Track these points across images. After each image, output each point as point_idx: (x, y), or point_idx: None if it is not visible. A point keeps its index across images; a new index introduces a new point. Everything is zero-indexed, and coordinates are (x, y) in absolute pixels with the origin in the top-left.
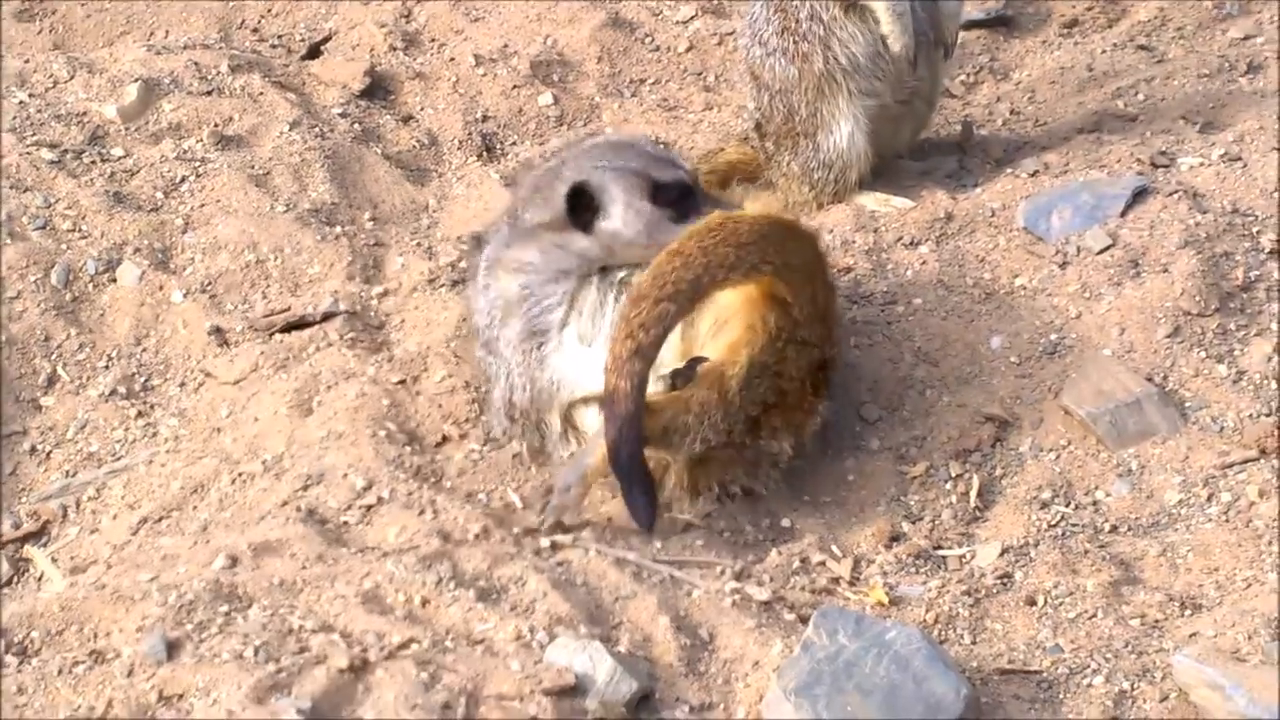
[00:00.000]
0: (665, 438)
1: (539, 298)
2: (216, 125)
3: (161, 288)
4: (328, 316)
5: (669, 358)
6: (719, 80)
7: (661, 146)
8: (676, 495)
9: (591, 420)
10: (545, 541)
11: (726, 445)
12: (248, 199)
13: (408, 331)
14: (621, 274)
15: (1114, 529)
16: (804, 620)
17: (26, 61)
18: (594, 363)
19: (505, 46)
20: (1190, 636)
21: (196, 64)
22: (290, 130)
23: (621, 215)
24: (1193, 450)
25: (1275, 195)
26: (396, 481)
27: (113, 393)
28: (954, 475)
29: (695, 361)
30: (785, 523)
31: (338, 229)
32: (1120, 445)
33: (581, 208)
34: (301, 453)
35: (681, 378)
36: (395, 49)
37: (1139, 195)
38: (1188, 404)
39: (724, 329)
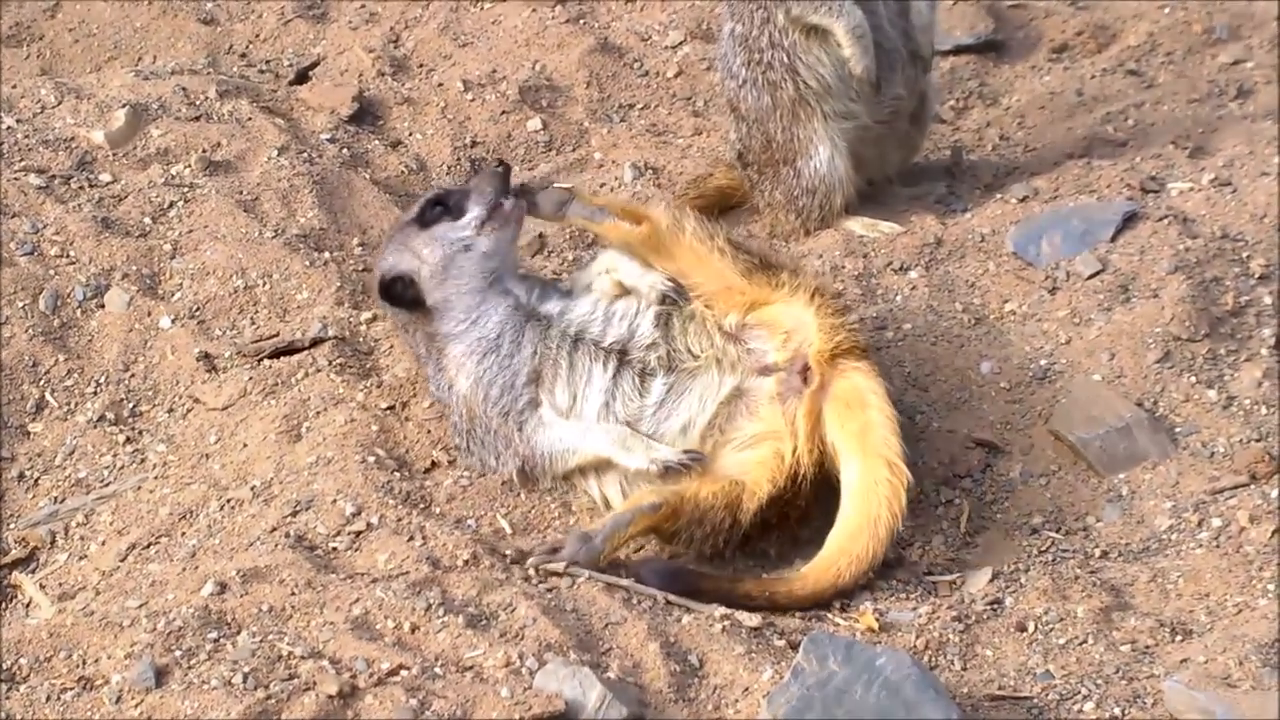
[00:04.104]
0: (672, 539)
1: (498, 382)
2: (205, 151)
3: (150, 313)
4: (316, 342)
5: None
6: (708, 105)
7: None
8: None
9: (593, 487)
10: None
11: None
12: (236, 224)
13: (396, 357)
14: (573, 327)
15: (1104, 554)
16: (794, 646)
17: (14, 87)
18: (580, 428)
19: (494, 71)
20: (1181, 662)
21: (185, 89)
22: (278, 155)
23: (429, 260)
24: (1183, 475)
25: (1265, 220)
26: (386, 507)
27: (101, 419)
28: (944, 501)
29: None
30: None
31: (326, 254)
32: (1111, 470)
33: (402, 297)
34: (290, 478)
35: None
36: (384, 74)
37: (1129, 220)
38: (1178, 429)
39: (752, 445)
